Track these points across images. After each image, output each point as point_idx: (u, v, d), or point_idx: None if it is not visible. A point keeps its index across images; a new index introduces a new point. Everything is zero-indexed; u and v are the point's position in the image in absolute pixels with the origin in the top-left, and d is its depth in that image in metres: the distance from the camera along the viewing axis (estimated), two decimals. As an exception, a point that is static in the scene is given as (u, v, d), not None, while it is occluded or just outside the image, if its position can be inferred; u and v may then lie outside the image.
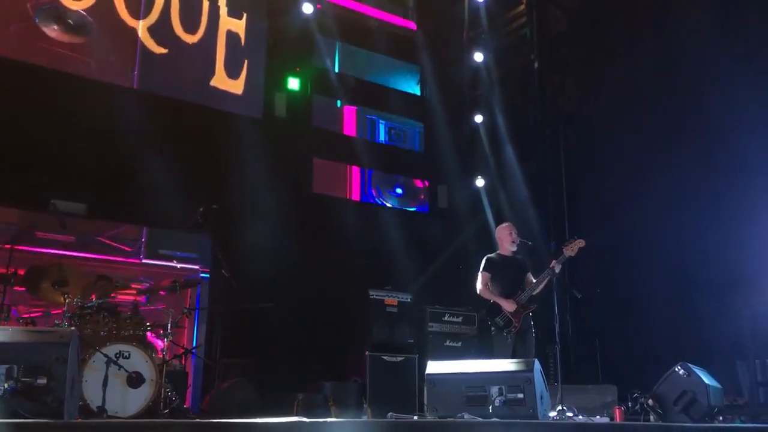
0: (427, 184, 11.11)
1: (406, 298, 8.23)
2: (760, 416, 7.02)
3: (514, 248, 6.93)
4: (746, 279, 7.75)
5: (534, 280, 6.70)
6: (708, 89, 8.58)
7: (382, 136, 11.16)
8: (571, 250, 6.59)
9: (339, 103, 10.58)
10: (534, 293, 6.67)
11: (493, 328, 6.70)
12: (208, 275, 8.45)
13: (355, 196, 10.62)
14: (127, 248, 8.73)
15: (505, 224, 7.20)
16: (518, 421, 4.65)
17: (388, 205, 10.78)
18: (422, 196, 11.22)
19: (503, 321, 6.63)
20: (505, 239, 6.97)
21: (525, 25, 10.98)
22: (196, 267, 8.78)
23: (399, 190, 11.02)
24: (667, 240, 8.52)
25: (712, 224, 8.16)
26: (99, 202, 7.76)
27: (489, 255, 6.99)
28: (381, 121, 11.14)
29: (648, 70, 9.45)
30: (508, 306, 6.61)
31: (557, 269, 6.53)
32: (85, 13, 8.26)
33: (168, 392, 6.05)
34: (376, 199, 10.78)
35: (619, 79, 9.74)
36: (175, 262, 8.72)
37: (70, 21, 8.14)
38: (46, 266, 6.30)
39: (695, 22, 8.95)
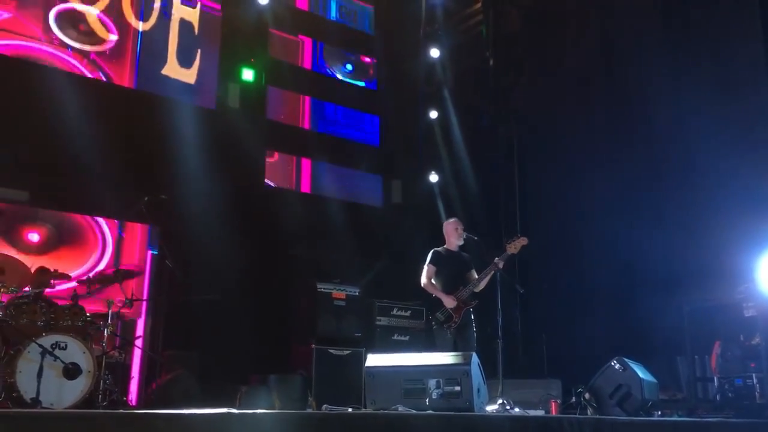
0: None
1: (354, 292, 8.21)
2: (697, 411, 7.19)
3: (461, 242, 6.96)
4: (687, 276, 7.93)
5: (476, 277, 6.76)
6: (653, 89, 8.75)
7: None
8: (513, 247, 6.66)
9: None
10: (476, 290, 6.72)
11: (434, 323, 6.75)
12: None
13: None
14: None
15: (451, 219, 7.21)
16: (449, 413, 4.68)
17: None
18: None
19: (444, 316, 6.67)
20: (452, 234, 7.00)
21: (481, 23, 11.02)
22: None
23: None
24: (612, 237, 8.66)
25: (655, 223, 8.35)
26: (42, 189, 7.61)
27: (436, 248, 7.02)
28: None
29: (595, 71, 9.61)
30: (449, 302, 6.65)
31: (500, 265, 6.60)
32: None
33: (107, 384, 5.97)
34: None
35: (569, 79, 9.87)
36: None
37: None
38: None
39: (639, 24, 9.11)
